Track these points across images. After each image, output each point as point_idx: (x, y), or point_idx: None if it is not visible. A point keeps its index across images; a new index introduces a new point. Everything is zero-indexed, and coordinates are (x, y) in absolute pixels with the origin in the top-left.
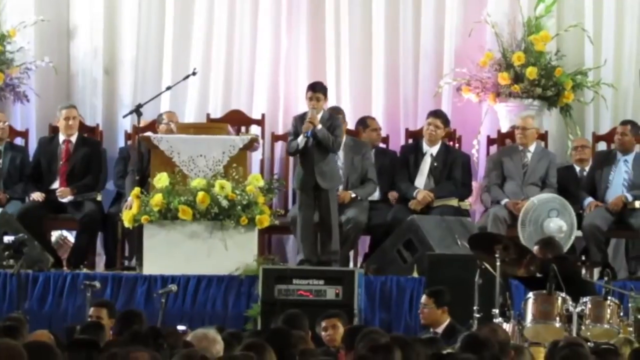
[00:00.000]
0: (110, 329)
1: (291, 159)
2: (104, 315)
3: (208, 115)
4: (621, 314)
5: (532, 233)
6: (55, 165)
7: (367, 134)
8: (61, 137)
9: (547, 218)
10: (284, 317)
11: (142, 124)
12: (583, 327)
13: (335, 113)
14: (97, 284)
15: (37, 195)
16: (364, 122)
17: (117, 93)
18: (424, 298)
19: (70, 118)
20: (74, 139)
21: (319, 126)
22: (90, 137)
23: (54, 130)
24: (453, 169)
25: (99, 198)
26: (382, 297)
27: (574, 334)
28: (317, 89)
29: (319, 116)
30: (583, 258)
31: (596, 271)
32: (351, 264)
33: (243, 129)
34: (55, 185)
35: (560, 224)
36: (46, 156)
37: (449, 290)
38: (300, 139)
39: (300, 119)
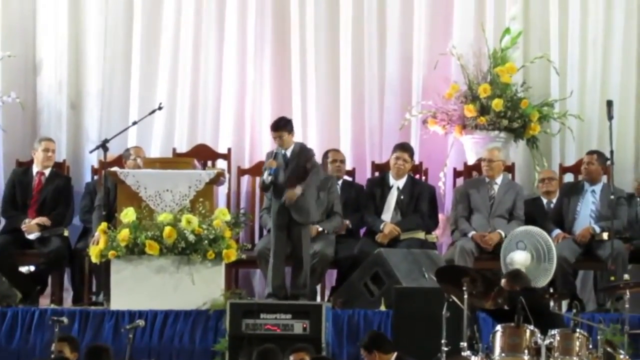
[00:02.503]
0: None
1: (257, 193)
2: (66, 350)
3: (174, 149)
4: (590, 346)
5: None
6: (28, 197)
7: (330, 166)
8: (34, 169)
9: (515, 250)
10: (258, 353)
11: (108, 159)
12: None
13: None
14: (65, 320)
15: (32, 223)
16: (326, 154)
17: (83, 127)
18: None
19: (49, 150)
20: (47, 172)
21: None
22: (61, 172)
23: (21, 165)
24: (419, 202)
25: (65, 233)
26: (350, 330)
27: None
28: (278, 128)
29: (289, 151)
30: (551, 290)
31: (564, 303)
32: (318, 298)
33: (209, 163)
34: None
35: (524, 256)
36: (20, 187)
37: (415, 323)
38: (265, 175)
39: (271, 154)
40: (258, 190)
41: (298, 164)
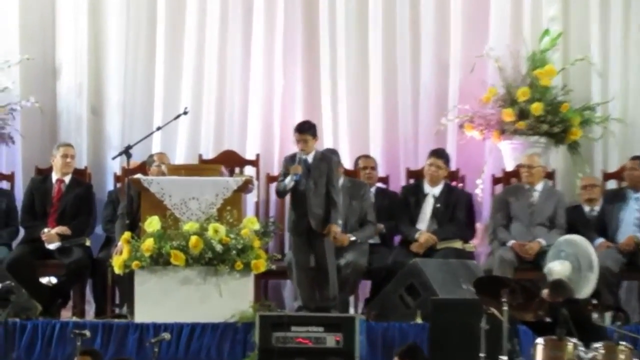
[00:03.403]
0: None
1: (287, 200)
2: None
3: (200, 156)
4: (634, 359)
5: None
6: (47, 206)
7: (361, 173)
8: (54, 177)
9: (556, 260)
10: None
11: (131, 166)
12: None
13: (330, 154)
14: (87, 333)
15: (52, 232)
16: (357, 161)
17: (105, 133)
18: None
19: (68, 156)
20: (67, 179)
21: None
22: (82, 179)
23: (40, 172)
24: (456, 210)
25: (87, 243)
26: (385, 344)
27: None
28: (303, 131)
29: (311, 157)
30: (594, 301)
31: (608, 315)
32: (351, 310)
33: (237, 170)
34: (46, 228)
35: (563, 266)
36: (39, 196)
37: (452, 336)
38: (288, 180)
39: (291, 159)
40: (288, 197)
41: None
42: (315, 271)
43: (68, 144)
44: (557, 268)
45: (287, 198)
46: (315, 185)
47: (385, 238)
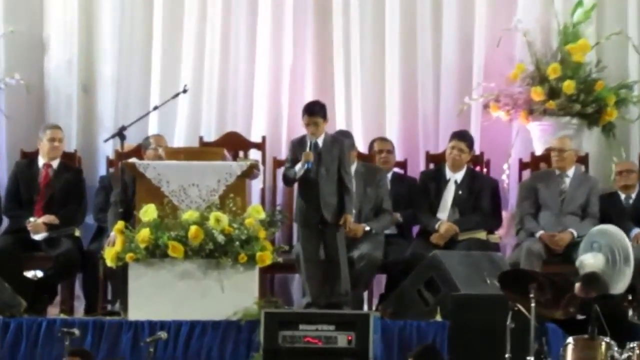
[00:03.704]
0: None
1: (295, 187)
2: None
3: (201, 138)
4: None
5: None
6: (33, 193)
7: (376, 157)
8: (40, 161)
9: (588, 252)
10: None
11: (125, 149)
12: None
13: (342, 137)
14: (76, 331)
15: (38, 222)
16: (372, 144)
17: (96, 113)
18: None
19: (55, 139)
20: (55, 163)
21: None
22: (71, 164)
23: (26, 155)
24: (480, 198)
25: (77, 234)
26: (401, 343)
27: None
28: (314, 113)
29: (320, 140)
30: (629, 297)
31: None
32: (365, 307)
33: (241, 153)
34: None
35: (596, 259)
36: (24, 182)
37: (475, 336)
38: (299, 168)
39: (299, 143)
40: (296, 184)
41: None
42: (326, 265)
43: (55, 125)
44: (589, 261)
45: (295, 185)
46: (327, 172)
47: (402, 228)
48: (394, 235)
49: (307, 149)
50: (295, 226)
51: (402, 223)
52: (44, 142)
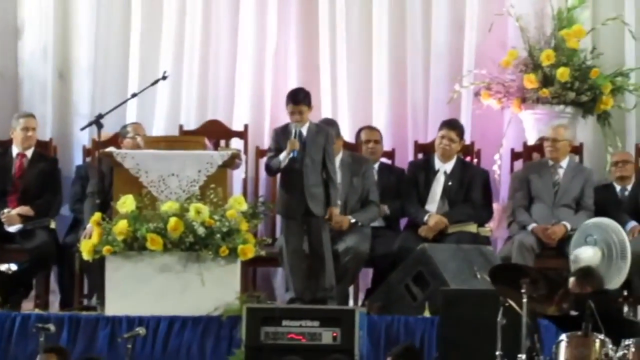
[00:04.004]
0: None
1: (279, 178)
2: None
3: (181, 127)
4: None
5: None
6: (7, 183)
7: (363, 147)
8: (14, 151)
9: (582, 246)
10: None
11: (103, 138)
12: None
13: (327, 126)
14: (52, 327)
15: (12, 213)
16: (358, 133)
17: (72, 101)
18: None
19: (29, 129)
20: (29, 153)
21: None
22: (46, 153)
23: (2, 145)
24: (471, 189)
25: (52, 225)
26: (388, 340)
27: None
28: (299, 101)
29: (305, 129)
30: (625, 293)
31: None
32: (351, 302)
33: (222, 142)
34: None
35: (591, 253)
36: None
37: (465, 332)
38: (283, 157)
39: (282, 132)
40: (279, 175)
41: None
42: (310, 259)
43: (29, 114)
44: (585, 255)
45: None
46: (312, 161)
47: (390, 220)
48: (381, 227)
49: (292, 137)
50: (278, 218)
51: (389, 215)
52: (17, 132)
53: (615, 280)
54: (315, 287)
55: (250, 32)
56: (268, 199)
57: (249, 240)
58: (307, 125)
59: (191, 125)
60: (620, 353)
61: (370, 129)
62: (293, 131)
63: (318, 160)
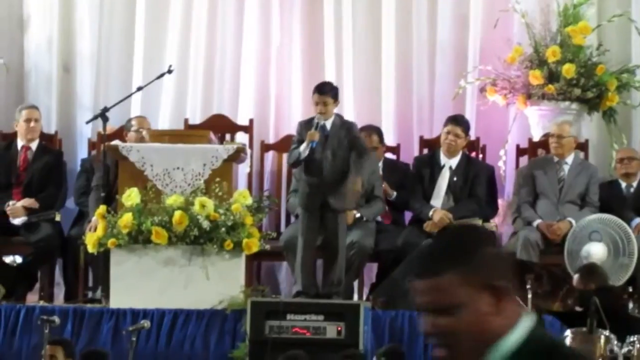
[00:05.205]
0: None
1: (284, 172)
2: (60, 355)
3: (186, 120)
4: None
5: (572, 262)
6: (12, 176)
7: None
8: (19, 143)
9: (588, 242)
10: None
11: (108, 131)
12: None
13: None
14: (56, 320)
15: (17, 205)
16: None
17: (77, 94)
18: None
19: (32, 120)
20: (34, 145)
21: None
22: (51, 146)
23: (5, 137)
24: (475, 185)
25: (57, 218)
26: (392, 335)
27: None
28: (324, 92)
29: (329, 123)
30: (630, 289)
31: None
32: (355, 297)
33: (227, 136)
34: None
35: (602, 250)
36: (3, 165)
37: None
38: (303, 148)
39: (307, 124)
40: (285, 169)
41: (352, 144)
42: (323, 252)
43: (31, 105)
44: (596, 251)
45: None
46: (333, 155)
47: (394, 207)
48: (385, 223)
49: (313, 129)
50: (283, 212)
51: (395, 201)
52: (20, 123)
53: (619, 277)
54: (324, 281)
55: (255, 27)
56: (272, 194)
57: (254, 234)
58: (331, 119)
59: (196, 119)
60: (625, 349)
61: (369, 132)
62: (315, 123)
63: (340, 155)
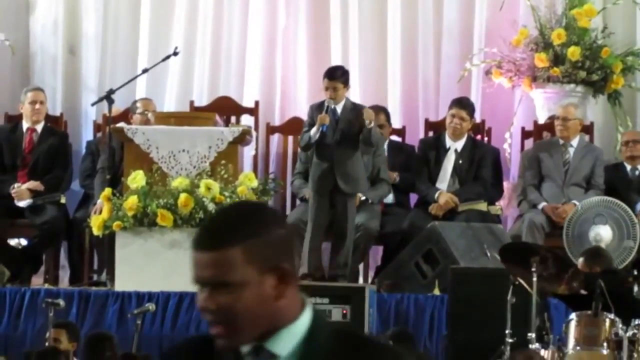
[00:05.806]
0: (74, 354)
1: (289, 154)
2: (64, 338)
3: (192, 102)
4: None
5: (576, 244)
6: (17, 158)
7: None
8: (24, 125)
9: (593, 225)
10: None
11: (113, 113)
12: (635, 355)
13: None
14: (61, 303)
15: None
16: None
17: (82, 75)
18: None
19: (37, 102)
20: (39, 127)
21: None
22: (56, 128)
23: (11, 119)
24: (481, 167)
25: (62, 201)
26: (398, 318)
27: None
28: (334, 77)
29: (340, 107)
30: (635, 272)
31: None
32: (361, 279)
33: (233, 119)
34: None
35: (610, 232)
36: (8, 147)
37: (475, 310)
38: (314, 131)
39: (318, 108)
40: (290, 151)
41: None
42: (331, 235)
43: (37, 87)
44: (605, 234)
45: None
46: (344, 139)
47: (399, 190)
48: (391, 205)
49: (324, 113)
50: (288, 194)
51: (399, 184)
52: (25, 106)
53: (624, 260)
54: (330, 264)
55: (261, 8)
56: (278, 176)
57: None
58: (342, 103)
59: (202, 101)
60: (630, 332)
61: (377, 111)
62: (326, 107)
63: (350, 138)
